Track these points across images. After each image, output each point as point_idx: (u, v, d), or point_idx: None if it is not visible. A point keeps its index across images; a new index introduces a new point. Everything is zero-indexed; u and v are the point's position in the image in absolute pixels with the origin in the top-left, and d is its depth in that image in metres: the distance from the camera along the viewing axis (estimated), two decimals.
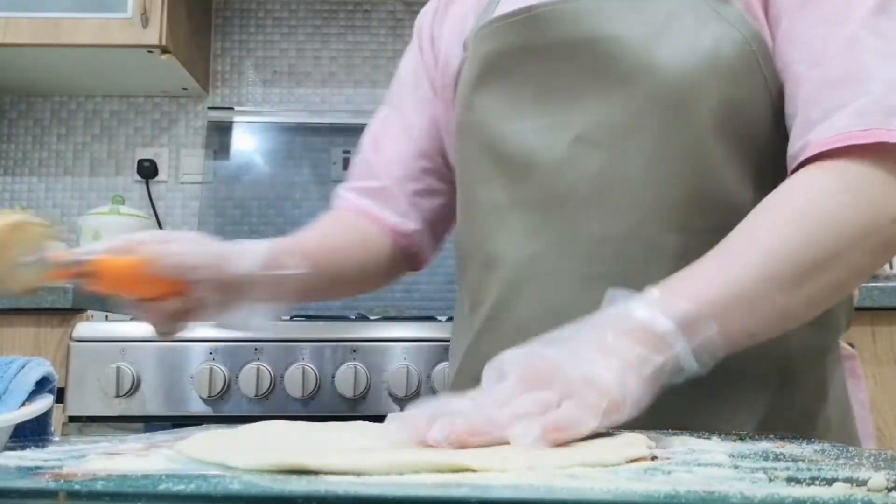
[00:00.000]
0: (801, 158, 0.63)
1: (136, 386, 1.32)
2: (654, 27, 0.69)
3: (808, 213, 0.58)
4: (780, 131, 0.68)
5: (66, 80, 2.04)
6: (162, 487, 0.30)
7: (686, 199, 0.67)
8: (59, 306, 1.37)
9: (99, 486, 0.31)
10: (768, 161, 0.69)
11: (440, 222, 0.93)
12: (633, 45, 0.69)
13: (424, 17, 0.93)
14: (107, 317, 1.47)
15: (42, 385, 0.52)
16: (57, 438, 0.54)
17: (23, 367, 0.51)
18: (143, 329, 1.38)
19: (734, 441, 0.51)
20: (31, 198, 2.11)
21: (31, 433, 0.52)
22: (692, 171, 0.67)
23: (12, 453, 0.44)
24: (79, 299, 1.39)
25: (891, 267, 1.71)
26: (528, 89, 0.74)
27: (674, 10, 0.69)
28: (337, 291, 0.93)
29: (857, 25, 0.63)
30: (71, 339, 1.36)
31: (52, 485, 0.31)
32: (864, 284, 1.52)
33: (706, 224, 0.66)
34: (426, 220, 0.91)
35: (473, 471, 0.35)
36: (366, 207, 0.89)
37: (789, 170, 0.65)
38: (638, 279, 0.60)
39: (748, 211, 0.62)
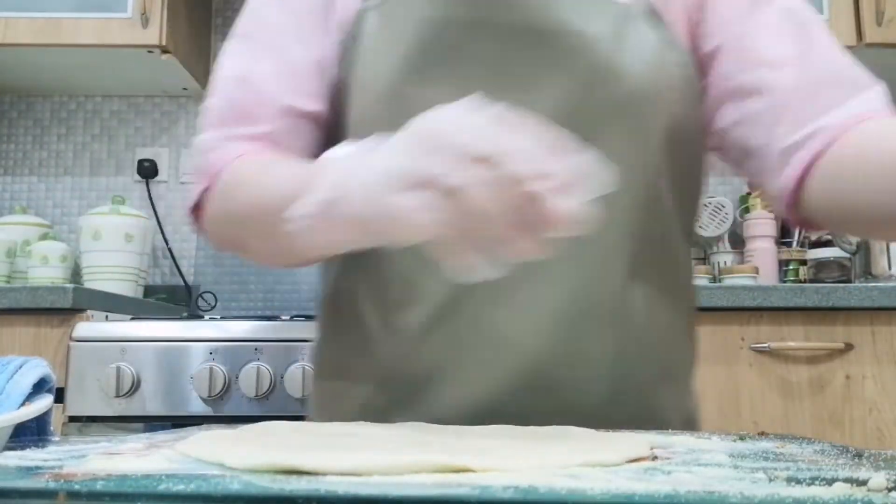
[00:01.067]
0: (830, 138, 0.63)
1: (136, 386, 1.32)
2: (611, 30, 0.68)
3: None
4: (703, 149, 0.73)
5: (66, 80, 2.04)
6: (162, 487, 0.30)
7: (638, 206, 0.68)
8: (59, 306, 1.37)
9: (99, 486, 0.31)
10: (691, 177, 0.74)
11: None
12: (597, 44, 0.67)
13: None
14: (107, 317, 1.47)
15: (40, 386, 0.52)
16: (57, 438, 0.54)
17: (20, 367, 0.51)
18: (143, 329, 1.38)
19: (734, 441, 0.51)
20: (31, 198, 2.11)
21: (31, 433, 0.52)
22: (644, 177, 0.68)
23: (12, 453, 0.44)
24: (79, 299, 1.40)
25: (889, 267, 1.71)
26: (478, 71, 0.68)
27: (622, 18, 0.69)
28: None
29: (817, 27, 0.69)
30: (71, 339, 1.36)
31: (52, 485, 0.31)
32: (863, 284, 1.52)
33: (653, 231, 0.69)
34: None
35: (473, 471, 0.35)
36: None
37: (782, 159, 0.65)
38: (594, 282, 0.66)
39: (676, 221, 0.71)
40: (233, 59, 0.76)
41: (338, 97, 0.73)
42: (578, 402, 0.65)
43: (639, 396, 0.68)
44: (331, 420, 0.72)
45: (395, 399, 0.68)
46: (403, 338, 0.68)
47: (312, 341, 0.80)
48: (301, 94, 0.73)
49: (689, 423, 0.73)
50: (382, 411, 0.67)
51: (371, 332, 0.70)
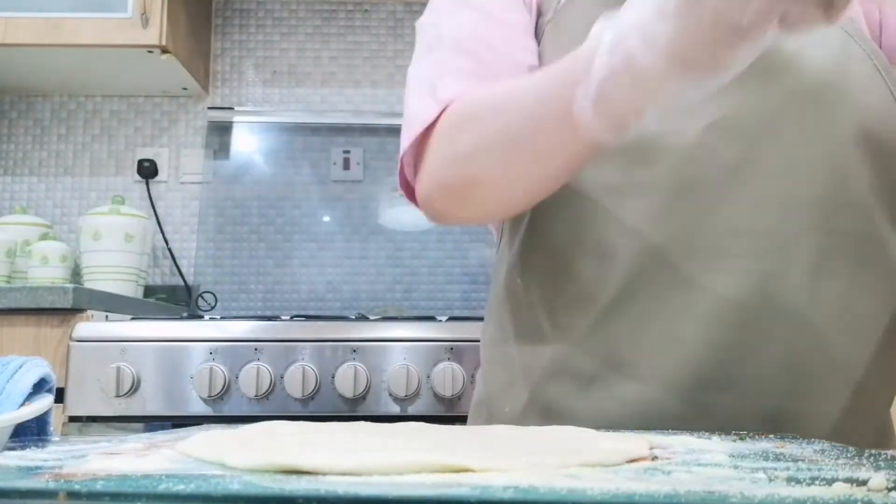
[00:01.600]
0: None
1: (136, 386, 1.32)
2: None
3: None
4: None
5: (66, 80, 2.04)
6: (162, 487, 0.30)
7: (825, 199, 0.65)
8: (59, 306, 1.37)
9: (99, 486, 0.31)
10: None
11: None
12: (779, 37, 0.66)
13: None
14: (107, 317, 1.47)
15: (40, 386, 0.52)
16: (57, 438, 0.54)
17: (20, 367, 0.51)
18: (143, 329, 1.39)
19: (734, 441, 0.51)
20: (31, 198, 2.11)
21: (31, 433, 0.52)
22: (831, 171, 0.65)
23: (12, 453, 0.44)
24: (79, 299, 1.40)
25: None
26: None
27: None
28: None
29: None
30: (71, 339, 1.36)
31: (52, 485, 0.31)
32: None
33: (843, 226, 0.65)
34: None
35: (473, 471, 0.35)
36: None
37: None
38: (772, 277, 0.63)
39: (879, 218, 0.65)
40: (454, 18, 0.74)
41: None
42: (753, 405, 0.63)
43: (822, 404, 0.64)
44: (494, 410, 0.74)
45: (563, 394, 0.67)
46: (573, 335, 0.68)
47: (483, 330, 0.80)
48: (528, 50, 0.73)
49: (879, 443, 0.68)
50: (546, 407, 0.67)
51: (541, 329, 0.70)
